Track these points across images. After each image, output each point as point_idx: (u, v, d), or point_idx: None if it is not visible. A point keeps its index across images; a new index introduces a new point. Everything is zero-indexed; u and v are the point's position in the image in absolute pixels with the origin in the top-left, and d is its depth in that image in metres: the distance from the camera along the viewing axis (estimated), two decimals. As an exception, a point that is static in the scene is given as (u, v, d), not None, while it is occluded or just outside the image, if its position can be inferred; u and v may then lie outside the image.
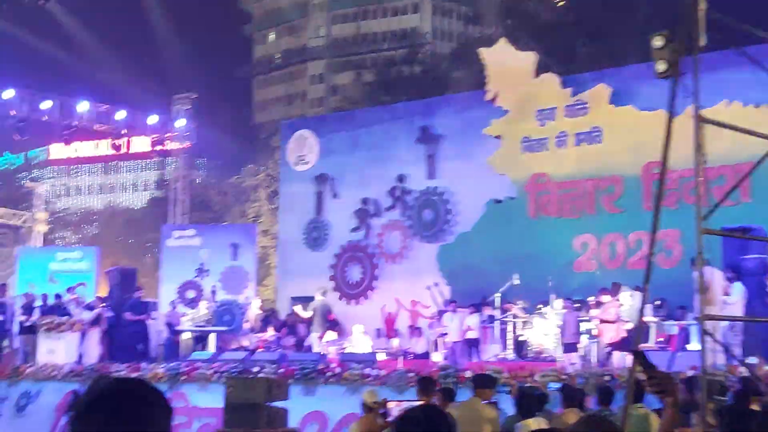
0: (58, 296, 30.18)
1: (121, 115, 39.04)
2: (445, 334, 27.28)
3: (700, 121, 12.34)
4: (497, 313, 26.44)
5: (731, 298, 21.12)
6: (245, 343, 29.10)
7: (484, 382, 14.65)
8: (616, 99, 28.35)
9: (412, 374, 20.13)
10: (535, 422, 12.33)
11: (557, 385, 16.26)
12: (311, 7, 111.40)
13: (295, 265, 34.75)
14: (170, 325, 30.51)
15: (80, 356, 28.32)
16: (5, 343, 29.87)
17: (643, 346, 15.88)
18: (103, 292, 34.64)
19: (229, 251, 34.74)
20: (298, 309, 30.04)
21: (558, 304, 25.14)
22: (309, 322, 29.46)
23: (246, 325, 30.14)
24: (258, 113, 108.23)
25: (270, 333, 29.25)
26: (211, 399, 21.38)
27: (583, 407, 14.24)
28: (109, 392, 3.00)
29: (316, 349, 27.15)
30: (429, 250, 31.82)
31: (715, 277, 20.12)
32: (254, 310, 30.55)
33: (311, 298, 31.26)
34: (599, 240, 28.22)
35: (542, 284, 25.81)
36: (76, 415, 2.97)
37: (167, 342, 30.52)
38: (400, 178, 32.67)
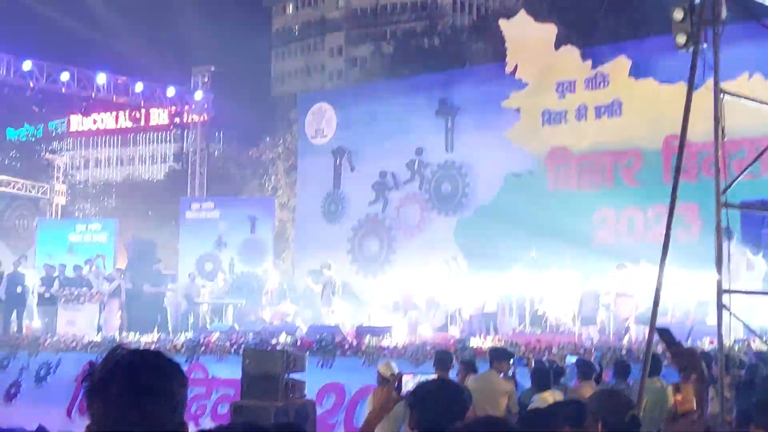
0: (76, 268, 30.31)
1: (139, 87, 39.09)
2: (462, 307, 27.30)
3: (721, 93, 12.30)
4: (515, 287, 26.40)
5: (752, 272, 21.06)
6: (263, 315, 29.19)
7: (500, 356, 14.69)
8: (636, 71, 28.18)
9: (429, 347, 20.17)
10: (551, 395, 12.37)
11: (575, 359, 16.27)
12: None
13: (313, 238, 34.76)
14: (188, 297, 30.61)
15: (99, 327, 28.49)
16: (25, 314, 30.01)
17: (661, 319, 15.85)
18: (122, 263, 34.76)
19: (248, 224, 34.80)
20: (309, 281, 30.08)
21: (575, 277, 25.09)
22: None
23: (264, 298, 30.22)
24: (276, 86, 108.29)
25: (287, 305, 29.32)
26: (229, 370, 21.45)
27: (599, 381, 14.27)
28: (125, 363, 3.01)
29: (325, 322, 27.18)
30: (447, 223, 31.79)
31: (737, 251, 20.06)
32: (272, 283, 30.60)
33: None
34: (618, 213, 28.13)
35: (561, 258, 25.74)
36: (92, 386, 2.98)
37: (185, 314, 30.65)
38: (419, 151, 32.59)
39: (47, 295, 29.22)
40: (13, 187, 46.70)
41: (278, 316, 28.75)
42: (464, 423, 4.18)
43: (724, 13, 12.43)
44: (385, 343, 21.26)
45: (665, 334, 5.65)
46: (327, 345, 21.59)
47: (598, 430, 6.28)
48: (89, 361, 3.15)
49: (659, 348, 13.10)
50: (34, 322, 30.44)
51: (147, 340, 24.85)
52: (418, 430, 5.02)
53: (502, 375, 14.36)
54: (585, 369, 14.11)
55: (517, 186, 30.13)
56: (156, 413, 2.96)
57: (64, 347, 25.91)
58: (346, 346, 21.47)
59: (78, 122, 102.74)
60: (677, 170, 12.56)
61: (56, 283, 29.25)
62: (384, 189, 33.40)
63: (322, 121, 35.32)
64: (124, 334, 26.47)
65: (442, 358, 14.71)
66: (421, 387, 5.22)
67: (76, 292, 28.70)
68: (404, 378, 5.51)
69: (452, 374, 14.81)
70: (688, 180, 22.07)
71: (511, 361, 14.99)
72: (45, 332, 28.03)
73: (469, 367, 15.26)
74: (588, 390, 12.76)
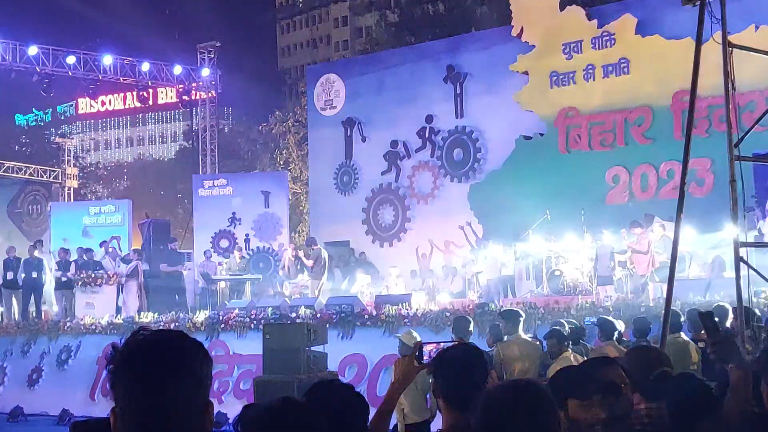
0: (87, 250, 30.25)
1: (145, 66, 39.11)
2: (480, 272, 27.30)
3: (729, 46, 12.24)
4: (531, 250, 26.37)
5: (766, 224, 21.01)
6: (281, 289, 29.22)
7: (514, 317, 14.63)
8: (643, 29, 28.08)
9: (448, 314, 20.17)
10: (573, 356, 12.38)
11: (593, 319, 16.24)
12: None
13: (327, 210, 34.76)
14: (205, 275, 30.65)
15: (119, 309, 28.56)
16: (43, 299, 30.08)
17: (679, 275, 15.78)
18: (137, 244, 34.79)
19: (261, 199, 34.80)
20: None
21: (591, 237, 25.03)
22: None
23: (281, 272, 30.25)
24: (283, 59, 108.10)
25: (305, 278, 29.35)
26: (250, 346, 21.51)
27: (620, 340, 14.26)
28: (148, 344, 3.01)
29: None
30: (460, 189, 31.76)
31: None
32: (289, 257, 30.62)
33: (345, 243, 31.39)
34: (630, 172, 28.08)
35: (575, 219, 25.68)
36: (116, 368, 2.99)
37: (203, 292, 30.70)
38: (429, 119, 32.55)
39: (64, 279, 29.26)
40: (25, 173, 46.68)
41: (297, 290, 28.79)
42: (496, 386, 4.16)
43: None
44: (404, 311, 21.27)
45: (708, 319, 5.32)
46: (347, 316, 21.63)
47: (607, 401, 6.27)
48: (112, 343, 3.15)
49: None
50: (52, 306, 30.54)
51: (166, 319, 24.90)
52: (442, 397, 5.03)
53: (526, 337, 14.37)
54: (606, 328, 14.09)
55: (529, 149, 30.10)
56: (180, 393, 2.97)
57: (84, 330, 26.00)
58: (366, 317, 21.50)
59: (86, 105, 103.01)
60: (689, 125, 12.51)
61: (72, 267, 29.30)
62: (396, 158, 33.37)
63: (330, 93, 35.27)
64: (144, 314, 26.50)
65: (461, 323, 14.69)
66: (442, 354, 5.23)
67: (93, 275, 28.77)
68: (427, 347, 5.51)
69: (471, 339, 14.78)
70: (699, 135, 22.04)
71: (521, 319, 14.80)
72: (64, 316, 28.12)
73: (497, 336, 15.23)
74: (611, 350, 12.75)
